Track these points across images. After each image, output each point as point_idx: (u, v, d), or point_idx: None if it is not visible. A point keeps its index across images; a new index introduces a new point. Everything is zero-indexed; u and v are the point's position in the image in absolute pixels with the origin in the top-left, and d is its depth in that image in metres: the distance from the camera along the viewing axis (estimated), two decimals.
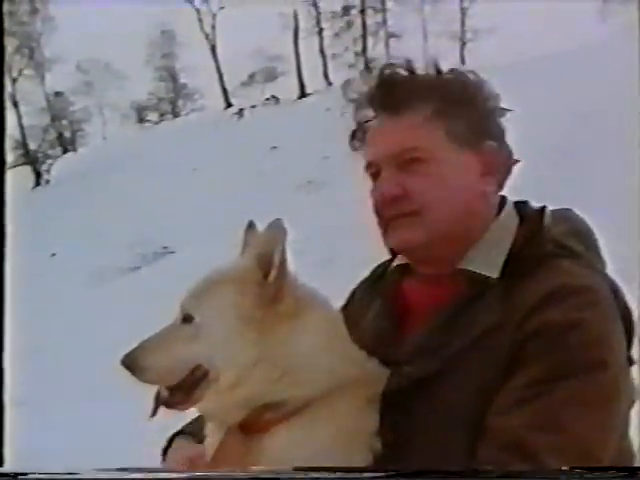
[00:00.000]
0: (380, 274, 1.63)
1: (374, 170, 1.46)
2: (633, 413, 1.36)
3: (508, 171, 1.48)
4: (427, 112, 1.41)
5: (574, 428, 1.23)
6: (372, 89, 1.46)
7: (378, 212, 1.46)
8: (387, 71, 1.46)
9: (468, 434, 1.29)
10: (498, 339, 1.31)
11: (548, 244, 1.40)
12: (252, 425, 1.37)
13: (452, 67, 1.48)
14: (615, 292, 1.37)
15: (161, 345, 1.40)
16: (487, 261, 1.40)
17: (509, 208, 1.48)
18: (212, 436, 1.45)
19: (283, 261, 1.38)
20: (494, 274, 1.39)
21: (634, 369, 1.37)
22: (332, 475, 1.18)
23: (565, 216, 1.49)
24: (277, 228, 1.39)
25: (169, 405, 1.41)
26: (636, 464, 1.38)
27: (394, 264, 1.57)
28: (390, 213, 1.43)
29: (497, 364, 1.29)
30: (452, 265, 1.43)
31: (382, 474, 1.26)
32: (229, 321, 1.38)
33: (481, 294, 1.37)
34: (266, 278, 1.38)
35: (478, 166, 1.43)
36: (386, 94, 1.44)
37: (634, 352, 1.37)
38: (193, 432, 1.55)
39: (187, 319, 1.40)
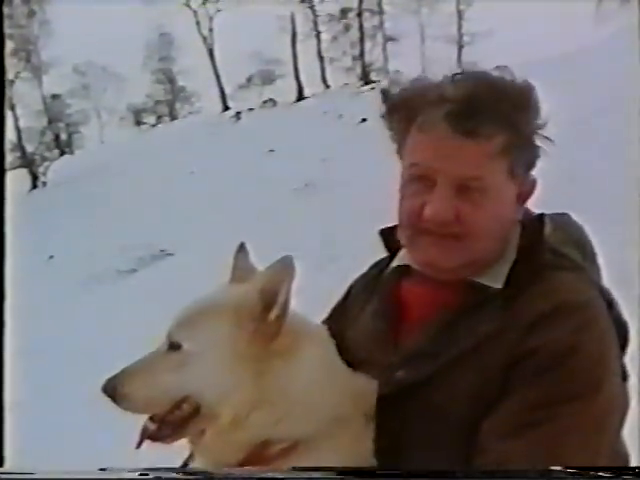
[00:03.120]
0: (378, 272, 1.60)
1: (424, 174, 1.37)
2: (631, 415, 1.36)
3: None
4: (499, 145, 1.35)
5: (574, 457, 1.22)
6: (455, 103, 1.35)
7: (409, 222, 1.40)
8: (470, 85, 1.36)
9: (460, 440, 1.28)
10: (496, 349, 1.30)
11: (547, 253, 1.39)
12: (252, 461, 1.32)
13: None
14: (610, 304, 1.36)
15: (144, 372, 1.35)
16: (494, 272, 1.39)
17: None
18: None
19: (287, 299, 1.33)
20: (498, 284, 1.38)
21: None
22: (331, 475, 1.17)
23: (563, 222, 1.48)
24: (286, 265, 1.33)
25: (155, 438, 1.37)
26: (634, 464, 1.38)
27: (393, 264, 1.54)
28: (426, 228, 1.37)
29: (493, 374, 1.28)
30: (461, 275, 1.41)
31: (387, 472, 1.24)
32: (221, 355, 1.32)
33: (482, 303, 1.36)
34: (266, 314, 1.33)
35: (515, 195, 1.41)
36: (467, 115, 1.34)
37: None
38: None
39: (174, 347, 1.35)
